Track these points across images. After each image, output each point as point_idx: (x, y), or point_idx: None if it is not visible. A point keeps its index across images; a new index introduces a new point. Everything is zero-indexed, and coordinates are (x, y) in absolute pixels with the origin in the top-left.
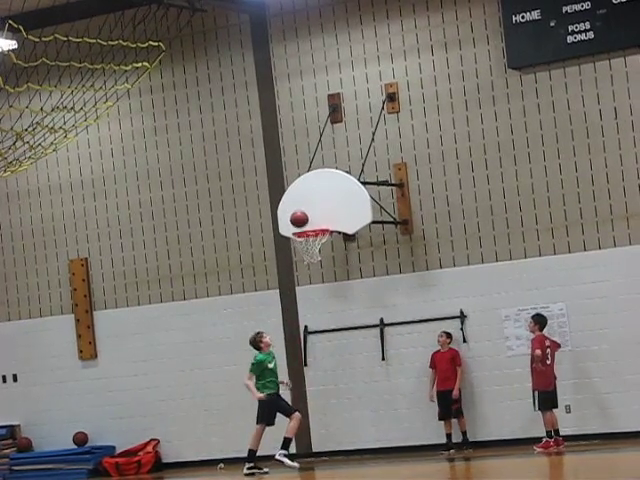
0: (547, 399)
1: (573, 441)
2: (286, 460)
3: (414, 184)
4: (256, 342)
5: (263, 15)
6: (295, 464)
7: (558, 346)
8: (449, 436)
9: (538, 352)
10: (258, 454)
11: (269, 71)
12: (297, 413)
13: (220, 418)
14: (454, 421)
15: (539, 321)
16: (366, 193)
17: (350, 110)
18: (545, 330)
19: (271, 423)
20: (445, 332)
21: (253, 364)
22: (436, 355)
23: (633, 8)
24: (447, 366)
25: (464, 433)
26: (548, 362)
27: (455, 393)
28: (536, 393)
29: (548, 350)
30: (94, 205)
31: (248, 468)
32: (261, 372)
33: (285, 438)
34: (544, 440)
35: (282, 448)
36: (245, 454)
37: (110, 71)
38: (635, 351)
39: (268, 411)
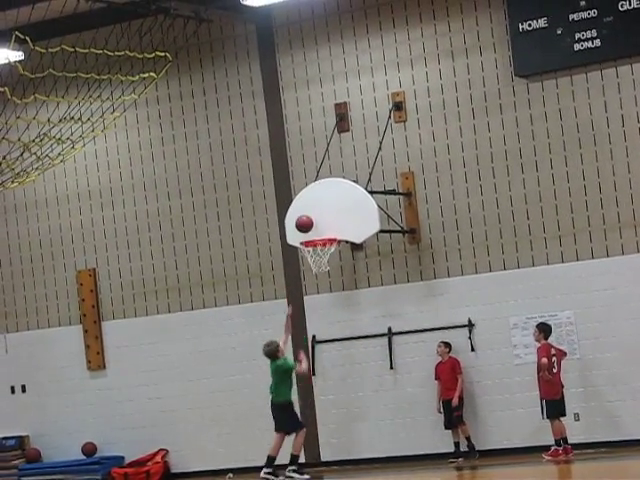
0: (555, 407)
1: (582, 449)
2: (296, 475)
3: (421, 193)
4: (275, 352)
5: (269, 25)
6: (305, 476)
7: (564, 354)
8: (457, 444)
9: (544, 360)
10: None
11: (276, 81)
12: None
13: (229, 428)
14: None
15: (544, 329)
16: (373, 202)
17: (357, 119)
18: (553, 338)
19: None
20: (443, 342)
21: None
22: (438, 366)
23: None
24: (449, 376)
25: (468, 439)
26: (555, 370)
27: (455, 401)
28: (544, 402)
29: (554, 359)
30: (102, 215)
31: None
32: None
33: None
34: (553, 448)
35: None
36: (254, 463)
37: (117, 82)
38: None
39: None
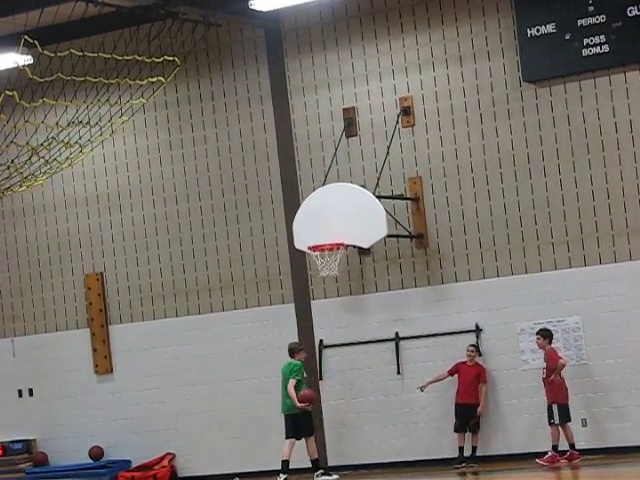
0: (565, 412)
1: (589, 455)
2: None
3: (429, 198)
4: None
5: (278, 29)
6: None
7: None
8: (461, 449)
9: (562, 362)
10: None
11: (284, 85)
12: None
13: (236, 432)
14: (468, 435)
15: (548, 335)
16: (381, 207)
17: (365, 124)
18: (561, 344)
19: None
20: (474, 345)
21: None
22: (461, 366)
23: None
24: (471, 380)
25: (474, 448)
26: (562, 375)
27: (480, 410)
28: (554, 406)
29: None
30: (109, 219)
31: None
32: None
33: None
34: (550, 453)
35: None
36: (259, 467)
37: (125, 86)
38: None
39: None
